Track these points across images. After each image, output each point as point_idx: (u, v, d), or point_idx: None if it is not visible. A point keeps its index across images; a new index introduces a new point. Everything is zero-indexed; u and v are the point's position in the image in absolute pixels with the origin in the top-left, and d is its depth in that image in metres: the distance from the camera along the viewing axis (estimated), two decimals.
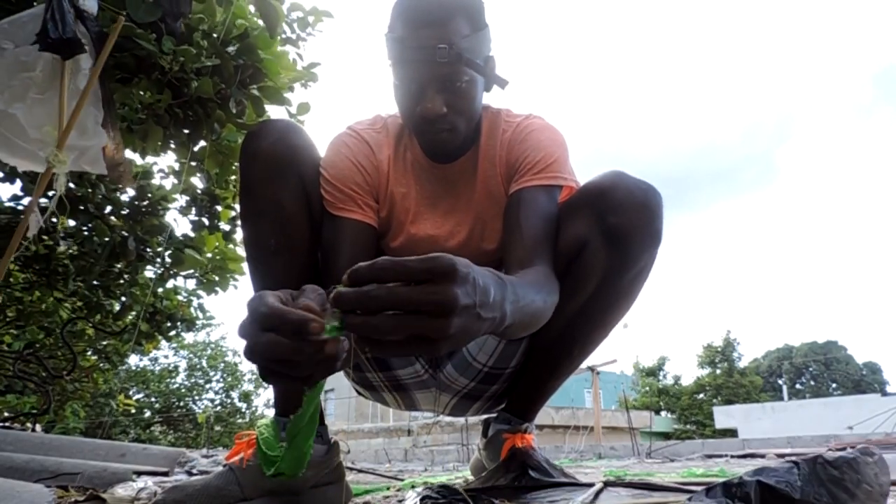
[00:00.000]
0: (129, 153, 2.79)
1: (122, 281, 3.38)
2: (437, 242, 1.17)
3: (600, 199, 1.06)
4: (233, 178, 2.97)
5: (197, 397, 16.98)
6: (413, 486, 1.69)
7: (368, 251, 1.11)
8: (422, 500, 0.98)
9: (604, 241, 1.05)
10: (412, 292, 0.54)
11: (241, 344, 0.55)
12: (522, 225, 1.05)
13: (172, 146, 2.53)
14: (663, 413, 28.38)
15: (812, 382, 40.33)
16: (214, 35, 2.08)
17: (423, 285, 0.54)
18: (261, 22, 2.22)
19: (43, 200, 2.80)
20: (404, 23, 1.02)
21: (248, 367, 17.92)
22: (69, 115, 1.69)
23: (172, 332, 4.04)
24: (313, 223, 1.10)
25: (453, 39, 1.00)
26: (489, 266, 1.01)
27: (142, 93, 2.06)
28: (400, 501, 1.15)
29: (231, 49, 2.10)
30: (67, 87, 1.70)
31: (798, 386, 40.23)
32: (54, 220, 2.88)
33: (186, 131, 2.27)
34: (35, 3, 1.85)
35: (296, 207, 1.07)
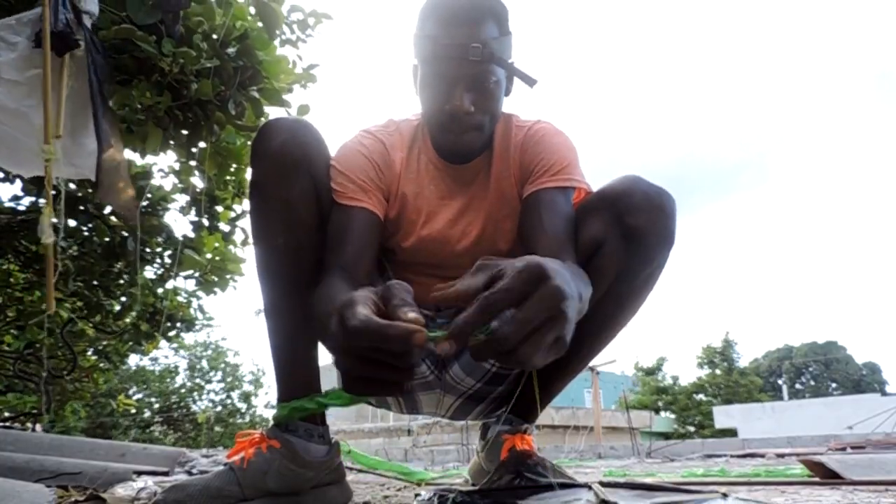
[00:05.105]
0: (128, 153, 2.79)
1: (121, 281, 3.38)
2: (448, 242, 1.18)
3: (617, 202, 1.07)
4: (232, 178, 2.97)
5: (197, 397, 16.96)
6: (420, 481, 1.70)
7: (374, 242, 1.12)
8: (439, 497, 0.98)
9: (620, 241, 1.07)
10: (534, 310, 0.56)
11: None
12: (546, 224, 1.07)
13: (172, 144, 2.53)
14: (663, 413, 28.35)
15: (812, 382, 40.32)
16: (214, 37, 2.08)
17: (531, 300, 0.56)
18: (260, 24, 2.22)
19: (42, 201, 2.81)
20: (436, 21, 1.05)
21: (248, 369, 17.95)
22: (55, 111, 1.67)
23: (172, 333, 4.04)
24: (322, 222, 1.10)
25: (485, 39, 1.02)
26: None
27: (141, 94, 2.06)
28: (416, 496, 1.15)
29: (230, 51, 2.10)
30: (66, 87, 1.69)
31: (798, 386, 40.22)
32: (55, 220, 2.87)
33: (186, 133, 2.27)
34: (37, 3, 1.85)
35: (305, 206, 1.07)
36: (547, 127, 1.20)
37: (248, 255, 3.38)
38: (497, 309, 0.55)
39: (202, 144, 2.47)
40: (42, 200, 2.75)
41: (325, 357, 1.02)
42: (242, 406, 17.27)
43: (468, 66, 1.02)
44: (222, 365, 17.37)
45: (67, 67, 1.71)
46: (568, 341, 0.60)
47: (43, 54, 1.64)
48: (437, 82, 1.06)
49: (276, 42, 2.33)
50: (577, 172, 1.14)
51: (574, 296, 0.61)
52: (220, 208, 3.07)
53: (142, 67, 1.97)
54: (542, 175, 1.12)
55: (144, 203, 3.04)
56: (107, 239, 3.03)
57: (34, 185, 2.59)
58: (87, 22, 1.73)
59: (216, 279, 3.36)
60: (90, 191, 2.87)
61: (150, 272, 3.52)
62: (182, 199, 3.11)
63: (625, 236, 1.06)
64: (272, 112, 2.44)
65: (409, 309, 0.56)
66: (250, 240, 3.48)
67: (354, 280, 1.02)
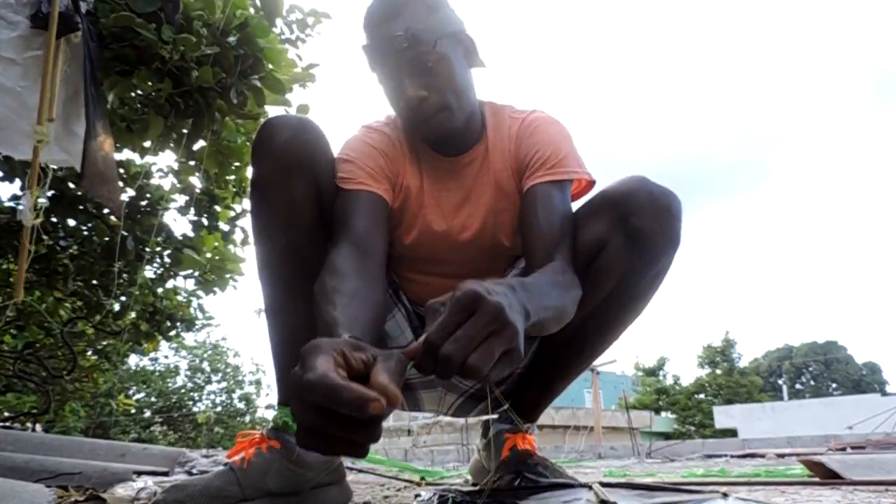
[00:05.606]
0: (128, 153, 2.79)
1: (121, 281, 3.38)
2: (449, 236, 1.18)
3: (623, 202, 1.07)
4: (232, 177, 2.97)
5: (197, 398, 16.93)
6: (422, 479, 1.69)
7: (385, 223, 1.10)
8: (439, 497, 0.97)
9: (625, 241, 1.06)
10: (474, 328, 0.58)
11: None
12: (541, 221, 1.07)
13: (171, 145, 2.52)
14: (663, 413, 28.33)
15: (812, 382, 40.32)
16: (214, 25, 2.07)
17: (470, 320, 0.59)
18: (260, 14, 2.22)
19: (42, 200, 2.81)
20: (366, 30, 1.08)
21: (248, 369, 17.93)
22: (49, 94, 1.66)
23: (172, 332, 4.03)
24: (325, 222, 1.09)
25: (408, 25, 1.03)
26: (504, 260, 1.10)
27: (142, 82, 2.04)
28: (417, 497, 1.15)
29: (231, 40, 2.09)
30: (60, 71, 1.69)
31: (798, 386, 40.21)
32: (54, 219, 2.87)
33: (187, 126, 2.26)
34: None
35: (307, 205, 1.06)
36: (541, 117, 1.19)
37: (247, 255, 3.38)
38: (440, 345, 0.58)
39: (202, 143, 2.46)
40: (43, 200, 2.75)
41: None
42: (242, 407, 17.24)
43: (400, 56, 1.04)
44: (222, 366, 17.34)
45: (63, 52, 1.71)
46: (522, 352, 0.62)
47: (48, 34, 1.63)
48: (386, 84, 1.09)
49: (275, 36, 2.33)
50: (573, 163, 1.13)
51: (516, 308, 0.65)
52: (219, 208, 3.07)
53: (142, 57, 1.96)
54: (538, 169, 1.12)
55: (143, 203, 3.04)
56: (106, 238, 3.03)
57: None
58: (83, 9, 1.72)
59: (216, 279, 3.36)
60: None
61: (149, 272, 3.52)
62: (181, 199, 3.11)
63: (629, 237, 1.06)
64: (272, 111, 2.43)
65: (387, 376, 0.53)
66: (250, 239, 3.48)
67: (368, 255, 1.00)
